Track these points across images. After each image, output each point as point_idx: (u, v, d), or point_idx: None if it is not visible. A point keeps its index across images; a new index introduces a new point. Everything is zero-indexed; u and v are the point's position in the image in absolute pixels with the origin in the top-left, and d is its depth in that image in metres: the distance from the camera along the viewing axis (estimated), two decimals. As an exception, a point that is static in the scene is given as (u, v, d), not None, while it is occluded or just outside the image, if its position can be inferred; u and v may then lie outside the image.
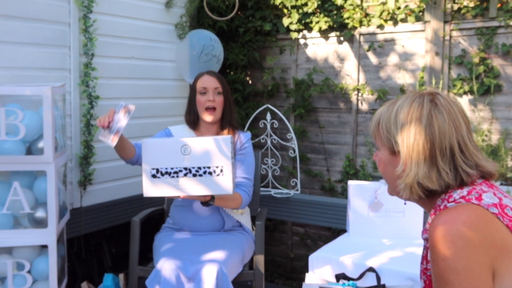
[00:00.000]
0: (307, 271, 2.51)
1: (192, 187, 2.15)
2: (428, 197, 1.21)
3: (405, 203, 1.31)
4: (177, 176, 2.15)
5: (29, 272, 2.34)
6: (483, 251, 1.04)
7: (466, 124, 1.19)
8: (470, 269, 1.03)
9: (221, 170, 2.15)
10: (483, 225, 1.06)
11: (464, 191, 1.14)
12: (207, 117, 2.52)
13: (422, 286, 1.22)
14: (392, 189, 1.28)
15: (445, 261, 1.05)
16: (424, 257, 1.22)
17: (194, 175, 2.15)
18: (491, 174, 1.19)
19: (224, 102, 2.55)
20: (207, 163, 2.15)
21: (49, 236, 2.33)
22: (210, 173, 2.15)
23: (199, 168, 2.15)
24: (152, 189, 2.16)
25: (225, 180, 2.15)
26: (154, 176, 2.15)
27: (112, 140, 2.13)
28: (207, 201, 2.28)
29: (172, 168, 2.15)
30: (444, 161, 1.16)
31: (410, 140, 1.18)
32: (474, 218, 1.07)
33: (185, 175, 2.15)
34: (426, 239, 1.20)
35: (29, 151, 2.33)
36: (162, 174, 2.15)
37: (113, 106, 3.22)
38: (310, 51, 3.98)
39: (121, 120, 2.16)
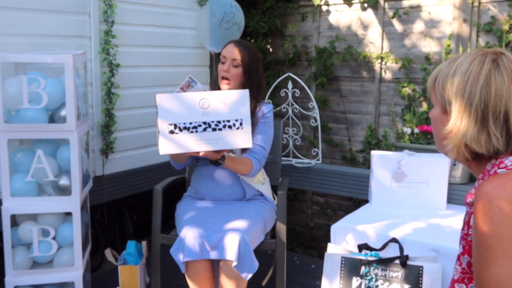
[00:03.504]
0: (327, 240, 2.51)
1: (211, 142, 2.09)
2: (475, 160, 1.17)
3: (454, 164, 1.26)
4: (196, 131, 2.07)
5: (54, 238, 2.37)
6: None
7: None
8: None
9: (241, 124, 2.11)
10: None
11: None
12: (223, 86, 2.48)
13: (461, 251, 1.19)
14: (440, 148, 1.25)
15: (490, 227, 1.02)
16: (466, 223, 1.18)
17: (214, 129, 2.09)
18: None
19: (243, 75, 2.48)
20: (226, 117, 2.10)
21: (73, 203, 2.35)
22: (230, 126, 2.10)
23: (219, 122, 2.09)
24: (169, 146, 2.07)
25: (244, 134, 2.12)
26: (172, 132, 2.06)
27: None
28: (217, 160, 2.23)
29: (191, 123, 2.07)
30: (496, 126, 1.11)
31: (464, 100, 1.12)
32: None
33: (205, 129, 2.08)
34: (470, 204, 1.16)
35: (51, 119, 2.34)
36: (181, 130, 2.06)
37: (133, 74, 3.24)
38: (332, 18, 3.89)
39: None
